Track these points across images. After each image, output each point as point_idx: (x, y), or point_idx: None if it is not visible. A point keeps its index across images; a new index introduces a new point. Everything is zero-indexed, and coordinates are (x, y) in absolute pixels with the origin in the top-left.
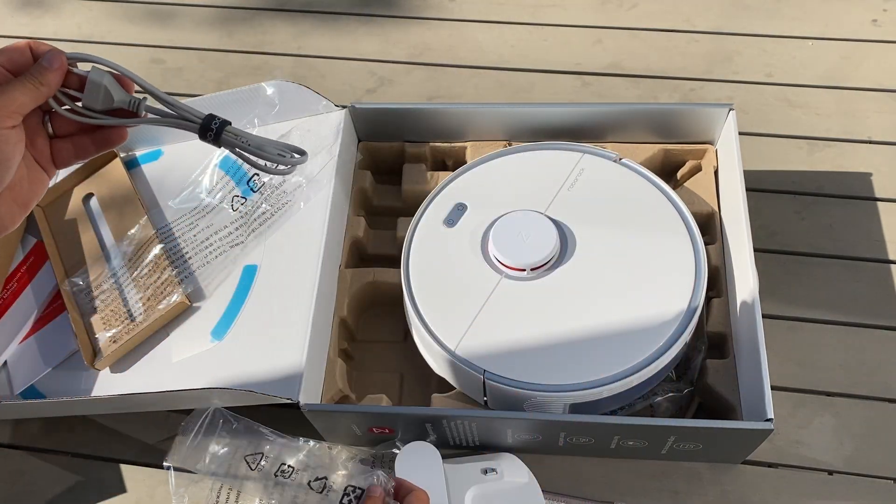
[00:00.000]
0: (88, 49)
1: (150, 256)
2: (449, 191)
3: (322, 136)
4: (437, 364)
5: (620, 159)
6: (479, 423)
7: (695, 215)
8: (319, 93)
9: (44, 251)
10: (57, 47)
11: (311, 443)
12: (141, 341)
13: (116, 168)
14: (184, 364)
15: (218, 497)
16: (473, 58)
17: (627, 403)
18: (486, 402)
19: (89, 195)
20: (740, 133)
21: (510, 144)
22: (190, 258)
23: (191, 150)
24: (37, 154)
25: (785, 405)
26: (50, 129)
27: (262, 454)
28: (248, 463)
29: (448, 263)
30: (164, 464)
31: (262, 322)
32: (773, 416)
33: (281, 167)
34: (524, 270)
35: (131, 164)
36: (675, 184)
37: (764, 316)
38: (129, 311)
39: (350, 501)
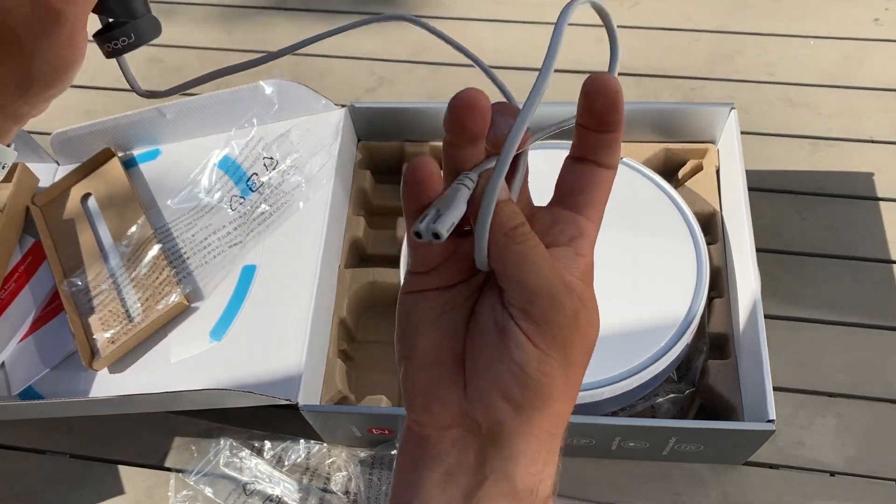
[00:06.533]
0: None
1: (149, 256)
2: None
3: (321, 135)
4: None
5: (621, 159)
6: None
7: (696, 215)
8: (319, 92)
9: (42, 251)
10: None
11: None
12: (139, 342)
13: (114, 167)
14: (182, 365)
15: None
16: None
17: (628, 404)
18: None
19: (87, 195)
20: (742, 132)
21: None
22: (188, 258)
23: (189, 150)
24: None
25: (786, 406)
26: None
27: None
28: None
29: None
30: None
31: (260, 322)
32: (774, 417)
33: None
34: None
35: (129, 164)
36: (677, 183)
37: (766, 316)
38: (127, 311)
39: None
